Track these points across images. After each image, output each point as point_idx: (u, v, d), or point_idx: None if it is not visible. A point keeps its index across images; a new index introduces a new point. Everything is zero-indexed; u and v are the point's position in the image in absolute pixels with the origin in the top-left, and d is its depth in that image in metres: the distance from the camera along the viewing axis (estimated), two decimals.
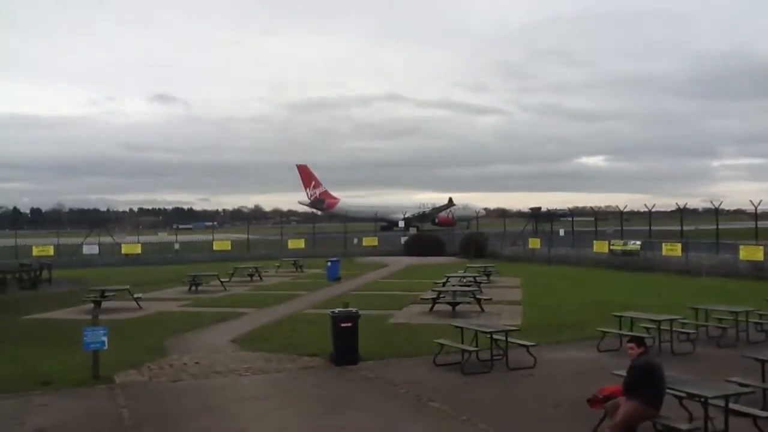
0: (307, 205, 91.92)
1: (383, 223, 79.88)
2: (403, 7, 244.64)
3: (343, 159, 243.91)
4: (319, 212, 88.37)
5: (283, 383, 12.45)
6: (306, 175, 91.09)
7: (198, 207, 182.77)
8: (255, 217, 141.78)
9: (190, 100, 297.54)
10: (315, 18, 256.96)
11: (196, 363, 14.08)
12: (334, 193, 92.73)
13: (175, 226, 74.42)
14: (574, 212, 58.53)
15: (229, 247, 51.74)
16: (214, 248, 51.01)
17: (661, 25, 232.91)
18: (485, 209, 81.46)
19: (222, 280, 30.12)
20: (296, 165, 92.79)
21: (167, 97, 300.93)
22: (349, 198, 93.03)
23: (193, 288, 28.63)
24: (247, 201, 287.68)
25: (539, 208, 66.63)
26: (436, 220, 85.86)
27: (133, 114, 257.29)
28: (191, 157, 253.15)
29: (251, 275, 34.00)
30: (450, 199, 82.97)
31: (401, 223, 71.36)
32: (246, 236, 57.10)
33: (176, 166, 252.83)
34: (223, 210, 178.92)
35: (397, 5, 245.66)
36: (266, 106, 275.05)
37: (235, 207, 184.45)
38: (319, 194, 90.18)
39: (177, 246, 51.76)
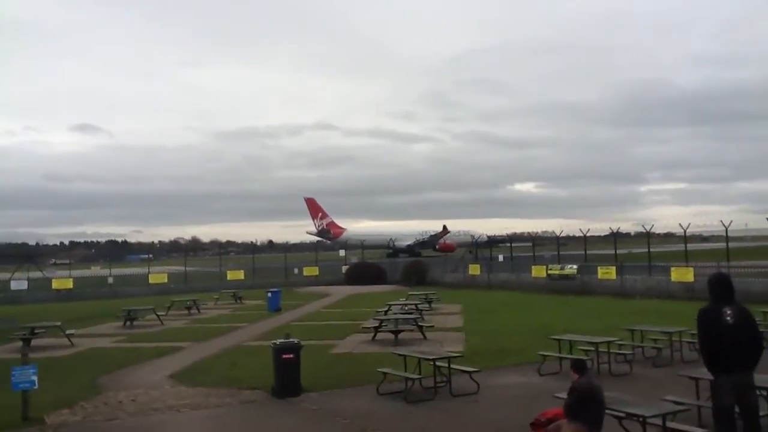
0: (314, 234, 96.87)
1: (389, 250, 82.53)
2: (329, 37, 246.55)
3: (275, 188, 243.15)
4: (327, 241, 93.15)
5: (223, 418, 12.14)
6: (313, 207, 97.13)
7: (132, 239, 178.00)
8: (192, 248, 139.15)
9: (114, 129, 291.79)
10: (241, 47, 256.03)
11: (133, 400, 13.62)
12: (339, 223, 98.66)
13: (52, 261, 72.85)
14: (513, 238, 59.53)
15: (166, 280, 50.49)
16: (150, 281, 49.70)
17: (585, 55, 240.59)
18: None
19: (159, 314, 29.39)
20: (304, 198, 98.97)
21: (89, 127, 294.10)
22: (353, 227, 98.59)
23: (129, 323, 27.80)
24: (183, 232, 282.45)
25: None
26: (437, 247, 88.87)
27: (54, 144, 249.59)
28: (119, 187, 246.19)
29: (189, 308, 33.25)
30: (444, 227, 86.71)
31: (341, 252, 71.32)
32: (183, 268, 55.96)
33: (105, 197, 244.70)
34: (159, 242, 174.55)
35: (323, 35, 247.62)
36: (195, 135, 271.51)
37: (172, 239, 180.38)
38: (326, 225, 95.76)
39: (111, 280, 50.29)
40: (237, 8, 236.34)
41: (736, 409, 8.00)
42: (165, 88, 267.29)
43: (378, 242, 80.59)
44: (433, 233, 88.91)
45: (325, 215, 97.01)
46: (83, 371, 17.21)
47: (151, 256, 79.13)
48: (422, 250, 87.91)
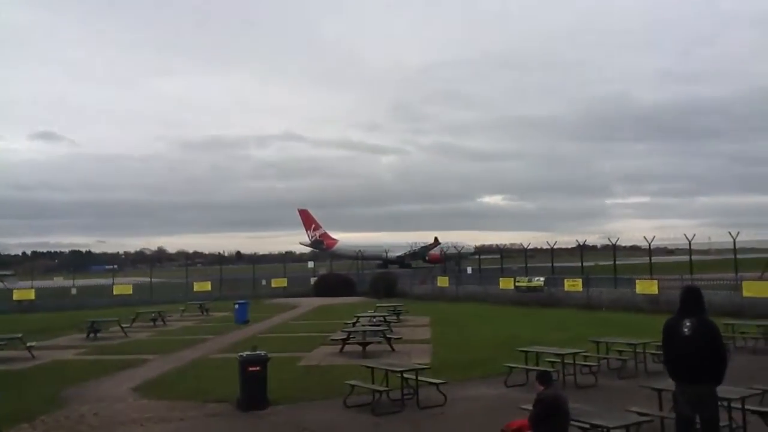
0: (308, 245, 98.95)
1: (378, 261, 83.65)
2: (297, 47, 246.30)
3: (243, 199, 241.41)
4: (319, 252, 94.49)
5: None
6: (306, 218, 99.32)
7: (96, 249, 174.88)
8: (158, 259, 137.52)
9: (76, 138, 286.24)
10: (208, 56, 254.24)
11: (95, 414, 13.36)
12: (332, 234, 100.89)
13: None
14: (481, 250, 59.91)
15: (131, 291, 49.70)
16: (115, 293, 48.91)
17: (551, 70, 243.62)
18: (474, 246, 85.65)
19: (123, 325, 28.90)
20: (297, 209, 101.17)
21: (51, 135, 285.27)
22: (346, 238, 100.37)
23: (92, 335, 27.28)
24: (149, 243, 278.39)
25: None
26: (427, 258, 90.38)
27: (15, 152, 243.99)
28: (84, 197, 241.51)
29: (154, 320, 32.80)
30: (435, 238, 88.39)
31: (310, 264, 71.17)
32: (149, 279, 55.20)
33: (68, 207, 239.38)
34: (124, 252, 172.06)
35: (291, 45, 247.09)
36: (160, 144, 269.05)
37: (137, 249, 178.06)
38: (319, 236, 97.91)
39: (74, 291, 49.40)
40: (205, 18, 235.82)
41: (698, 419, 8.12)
42: (131, 96, 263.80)
43: (371, 253, 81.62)
44: (423, 244, 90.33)
45: (318, 226, 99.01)
46: (44, 384, 16.82)
47: (115, 266, 78.31)
48: (412, 262, 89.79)
